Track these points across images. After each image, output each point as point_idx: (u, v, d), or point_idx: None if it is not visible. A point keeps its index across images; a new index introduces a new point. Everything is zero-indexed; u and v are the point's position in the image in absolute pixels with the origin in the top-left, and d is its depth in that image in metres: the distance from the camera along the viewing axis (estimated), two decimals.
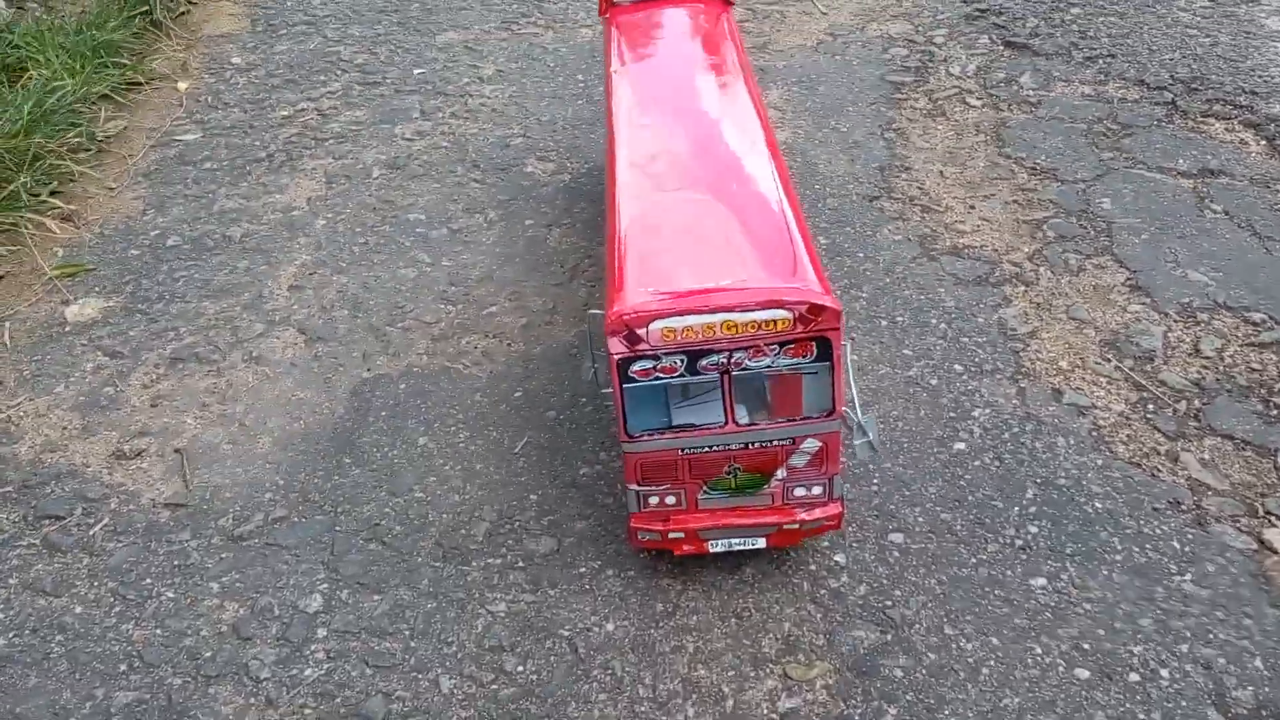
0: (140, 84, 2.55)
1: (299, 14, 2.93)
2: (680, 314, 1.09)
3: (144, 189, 2.17)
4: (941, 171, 2.11)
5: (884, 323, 1.71)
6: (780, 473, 1.21)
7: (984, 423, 1.51)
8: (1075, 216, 1.94)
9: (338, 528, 1.40)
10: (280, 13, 2.94)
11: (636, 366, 1.13)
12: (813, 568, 1.30)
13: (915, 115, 2.31)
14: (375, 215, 2.05)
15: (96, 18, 2.62)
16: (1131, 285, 1.77)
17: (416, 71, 2.60)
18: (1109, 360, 1.61)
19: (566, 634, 1.24)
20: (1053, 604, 1.25)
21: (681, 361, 1.12)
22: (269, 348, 1.73)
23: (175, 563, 1.36)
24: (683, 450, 1.18)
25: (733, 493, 1.22)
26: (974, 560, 1.31)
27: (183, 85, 2.58)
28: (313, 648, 1.24)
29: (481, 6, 2.92)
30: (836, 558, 1.31)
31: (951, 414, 1.52)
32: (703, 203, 1.31)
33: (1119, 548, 1.31)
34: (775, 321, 1.10)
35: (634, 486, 1.21)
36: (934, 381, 1.58)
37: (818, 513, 1.24)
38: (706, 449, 1.18)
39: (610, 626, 1.25)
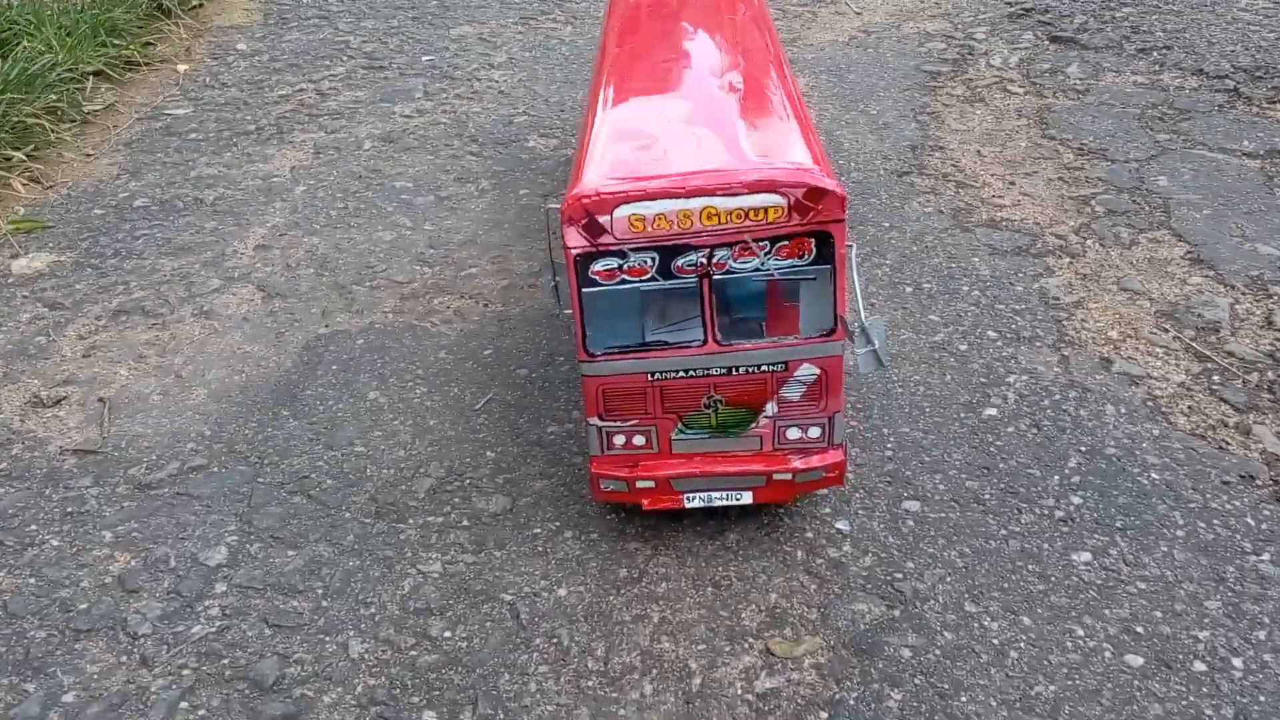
0: (138, 64, 2.45)
1: (313, 9, 2.85)
2: (651, 197, 0.91)
3: (122, 156, 2.05)
4: (979, 151, 1.92)
5: (908, 289, 1.51)
6: (770, 408, 1.00)
7: (1020, 389, 1.29)
8: (1127, 193, 1.73)
9: (260, 479, 1.21)
10: (295, 8, 2.86)
11: (598, 265, 0.94)
12: (809, 535, 1.08)
13: (951, 101, 2.13)
14: (360, 183, 1.90)
15: (103, 1, 2.54)
16: (1192, 259, 1.55)
17: (425, 58, 2.48)
18: (1166, 331, 1.39)
19: (509, 598, 1.03)
20: (1099, 581, 1.02)
21: (652, 261, 0.93)
22: (222, 303, 1.56)
23: (68, 509, 1.17)
24: (653, 375, 0.98)
25: (713, 432, 1.02)
26: (1004, 532, 1.08)
27: (182, 67, 2.48)
28: (206, 604, 1.04)
29: (500, 3, 2.82)
30: (839, 525, 1.10)
31: (982, 379, 1.31)
32: (691, 100, 1.13)
33: (1180, 522, 1.08)
34: (766, 210, 0.90)
35: (595, 421, 1.01)
36: (963, 347, 1.37)
37: (815, 460, 1.03)
38: (681, 374, 0.98)
39: (562, 591, 1.04)
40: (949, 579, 1.03)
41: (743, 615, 1.00)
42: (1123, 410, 1.25)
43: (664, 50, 1.28)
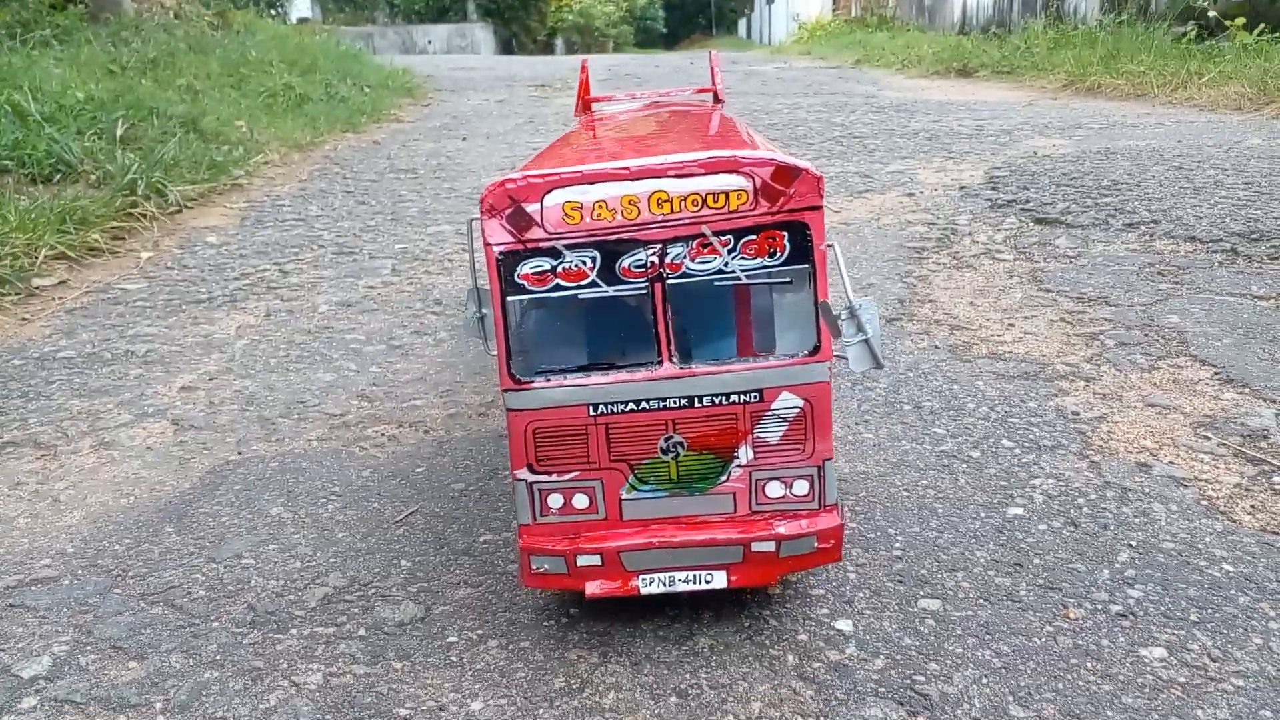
0: (101, 250, 2.39)
1: (291, 213, 2.85)
2: (590, 180, 0.76)
3: (59, 320, 1.92)
4: (972, 302, 1.80)
5: (907, 407, 1.32)
6: (744, 453, 0.80)
7: (1047, 490, 1.08)
8: (1138, 329, 1.59)
9: (116, 590, 0.97)
10: (273, 212, 2.86)
11: (526, 267, 0.77)
12: (802, 638, 0.84)
13: (938, 268, 2.04)
14: (308, 337, 1.76)
15: (76, 196, 2.53)
16: (1221, 379, 1.38)
17: (398, 246, 2.43)
18: (1208, 439, 1.20)
19: (404, 714, 0.77)
20: (1182, 680, 0.77)
21: (593, 261, 0.77)
22: (128, 436, 1.37)
23: None
24: (596, 409, 0.78)
25: (674, 487, 0.81)
26: (1049, 628, 0.84)
27: (145, 254, 2.42)
28: None
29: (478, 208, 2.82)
30: (839, 625, 0.85)
31: (1002, 483, 1.10)
32: (646, 129, 1.01)
33: (1272, 614, 0.84)
34: (727, 194, 0.75)
35: (524, 475, 0.80)
36: (975, 454, 1.17)
37: (804, 525, 0.81)
38: (631, 406, 0.78)
39: (477, 705, 0.78)
40: (985, 680, 0.78)
41: None
42: (1174, 508, 1.03)
43: (627, 130, 1.18)
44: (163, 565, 1.02)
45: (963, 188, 2.79)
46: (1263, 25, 5.23)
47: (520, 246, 0.76)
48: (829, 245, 0.78)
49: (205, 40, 5.87)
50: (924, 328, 1.67)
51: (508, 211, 0.76)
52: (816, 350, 0.77)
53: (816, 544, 0.80)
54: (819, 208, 0.76)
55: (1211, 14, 5.65)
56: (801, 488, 0.80)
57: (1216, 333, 1.55)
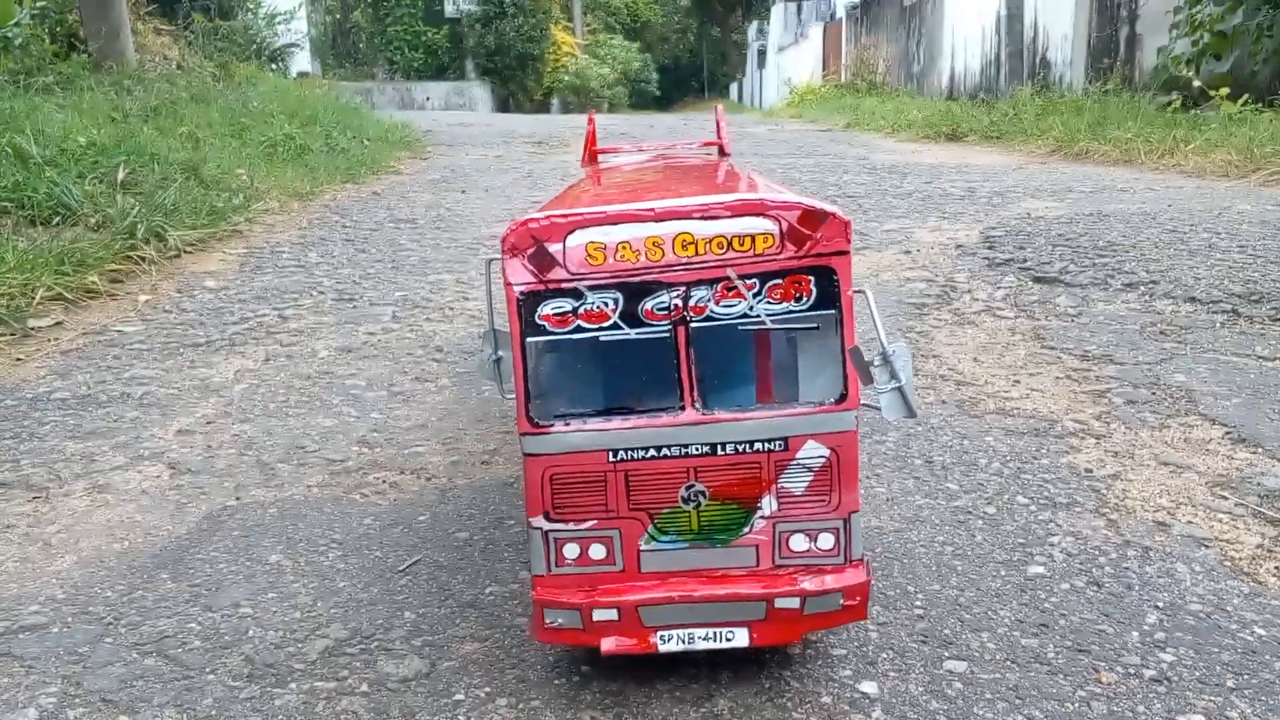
0: (98, 293, 2.37)
1: (291, 260, 2.84)
2: (614, 221, 0.74)
3: (54, 361, 1.89)
4: (975, 359, 1.80)
5: (918, 462, 1.31)
6: (767, 503, 0.78)
7: (1067, 549, 1.06)
8: (1145, 388, 1.59)
9: (107, 639, 0.93)
10: (273, 259, 2.85)
11: (548, 308, 0.76)
12: (825, 700, 0.81)
13: (939, 324, 2.04)
14: (307, 382, 1.74)
15: (75, 239, 2.52)
16: (1233, 438, 1.37)
17: (398, 294, 2.42)
18: (1225, 498, 1.18)
19: None
20: None
21: (615, 303, 0.75)
22: (122, 479, 1.34)
23: None
24: (615, 454, 0.76)
25: (695, 538, 0.78)
26: (1081, 693, 0.81)
27: (143, 297, 2.40)
28: None
29: (481, 258, 2.82)
30: (864, 688, 0.82)
31: (1020, 540, 1.08)
32: (656, 178, 1.01)
33: None
34: (753, 238, 0.74)
35: (540, 523, 0.78)
36: (990, 510, 1.15)
37: (830, 581, 0.78)
38: (652, 453, 0.76)
39: None
40: None
41: None
42: (1198, 569, 1.01)
43: (637, 179, 1.18)
44: (157, 613, 0.98)
45: (959, 246, 2.80)
46: (1246, 95, 5.33)
47: (542, 287, 0.75)
48: (859, 290, 0.77)
49: (207, 91, 5.92)
50: (929, 383, 1.66)
51: (530, 251, 0.75)
52: (844, 398, 0.76)
53: (842, 601, 0.78)
54: (846, 252, 0.75)
55: (1196, 84, 5.76)
56: (827, 541, 0.78)
57: (1224, 392, 1.55)
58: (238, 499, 1.27)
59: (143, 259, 2.66)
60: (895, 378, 0.76)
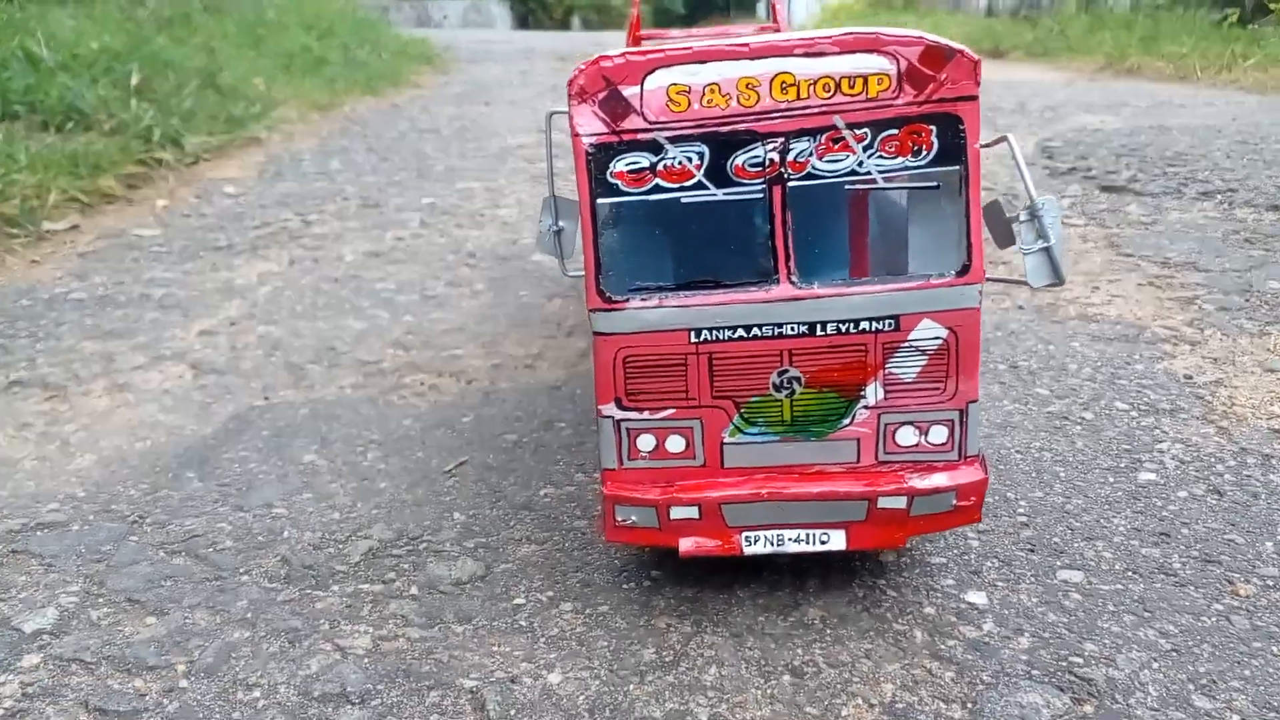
0: (114, 197, 2.27)
1: (313, 167, 2.72)
2: (700, 59, 0.63)
3: (71, 264, 1.80)
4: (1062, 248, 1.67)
5: (1002, 366, 1.20)
6: (872, 391, 0.67)
7: (1178, 455, 0.96)
8: (1237, 294, 1.47)
9: (132, 537, 0.85)
10: (293, 166, 2.73)
11: (621, 163, 0.65)
12: (929, 611, 0.72)
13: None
14: (335, 285, 1.64)
15: (89, 142, 2.41)
16: None
17: (425, 200, 2.31)
18: None
19: (471, 685, 0.65)
20: None
21: (700, 157, 0.64)
22: (143, 379, 1.25)
23: None
24: (698, 335, 0.66)
25: (787, 431, 0.68)
26: (1218, 606, 0.72)
27: (161, 202, 2.30)
28: (3, 679, 0.66)
29: (509, 167, 2.70)
30: (970, 598, 0.73)
31: (1125, 446, 0.98)
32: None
33: None
34: (865, 78, 0.63)
35: (611, 410, 0.68)
36: (1088, 415, 1.05)
37: (942, 479, 0.68)
38: (740, 333, 0.66)
39: (554, 678, 0.66)
40: (1157, 664, 0.66)
41: (844, 713, 0.62)
42: None
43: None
44: (184, 512, 0.90)
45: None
46: None
47: (615, 138, 0.64)
48: (1000, 139, 0.66)
49: (222, 1, 5.73)
50: (1002, 288, 1.54)
51: (601, 95, 0.64)
52: (966, 270, 0.65)
53: (955, 501, 0.68)
54: (975, 97, 0.63)
55: None
56: (939, 434, 0.68)
57: None
58: (266, 399, 1.18)
59: (159, 163, 2.56)
60: (1043, 236, 0.65)
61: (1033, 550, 0.80)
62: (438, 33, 11.19)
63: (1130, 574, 0.76)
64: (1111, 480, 0.91)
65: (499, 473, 0.96)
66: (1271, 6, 5.36)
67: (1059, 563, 0.78)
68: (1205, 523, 0.83)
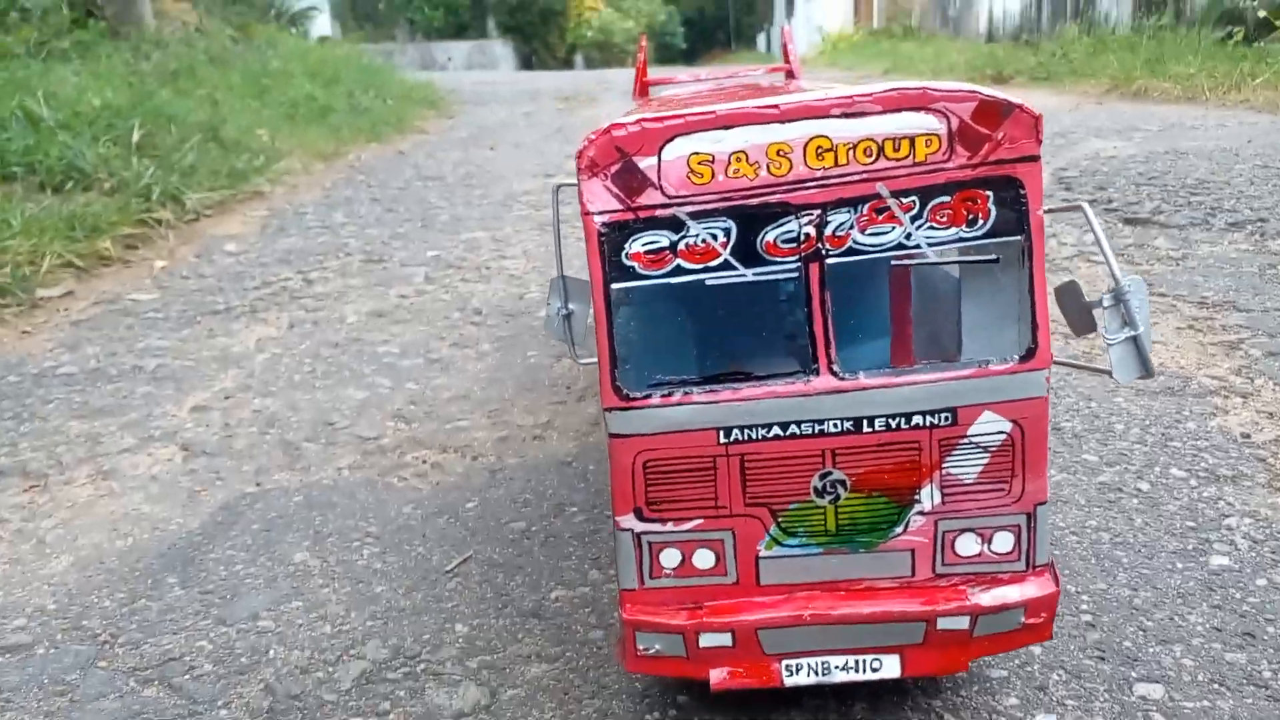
0: (112, 259, 2.22)
1: (316, 221, 2.67)
2: (725, 125, 0.56)
3: (63, 333, 1.74)
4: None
5: None
6: (928, 495, 0.59)
7: (1249, 533, 0.87)
8: None
9: (102, 662, 0.77)
10: (296, 220, 2.68)
11: (638, 244, 0.57)
12: None
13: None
14: (335, 350, 1.58)
15: (88, 203, 2.36)
16: None
17: (430, 253, 2.25)
18: None
19: None
20: None
21: (727, 234, 0.57)
22: (130, 463, 1.18)
23: None
24: (728, 435, 0.58)
25: (831, 540, 0.60)
26: None
27: (160, 263, 2.24)
28: None
29: (516, 215, 2.64)
30: None
31: (1189, 523, 0.89)
32: (746, 93, 0.82)
33: None
34: (912, 140, 0.56)
35: (631, 522, 0.60)
36: (1144, 486, 0.97)
37: (1010, 594, 0.60)
38: (776, 432, 0.58)
39: None
40: None
41: None
42: None
43: (720, 93, 0.99)
44: (161, 628, 0.82)
45: None
46: None
47: (630, 215, 0.57)
48: (1074, 206, 0.58)
49: (226, 53, 5.74)
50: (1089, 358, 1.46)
51: (614, 168, 0.57)
52: (1031, 354, 0.57)
53: (1024, 619, 0.60)
54: (1036, 158, 0.56)
55: (1261, 13, 5.43)
56: (1004, 542, 0.60)
57: None
58: (258, 484, 1.11)
59: (159, 223, 2.51)
60: (1130, 323, 0.57)
61: (1103, 658, 0.71)
62: (442, 75, 11.26)
63: (1216, 686, 0.68)
64: (1181, 567, 0.82)
65: (505, 570, 0.88)
66: (1277, 23, 5.30)
67: (1134, 673, 0.69)
68: None
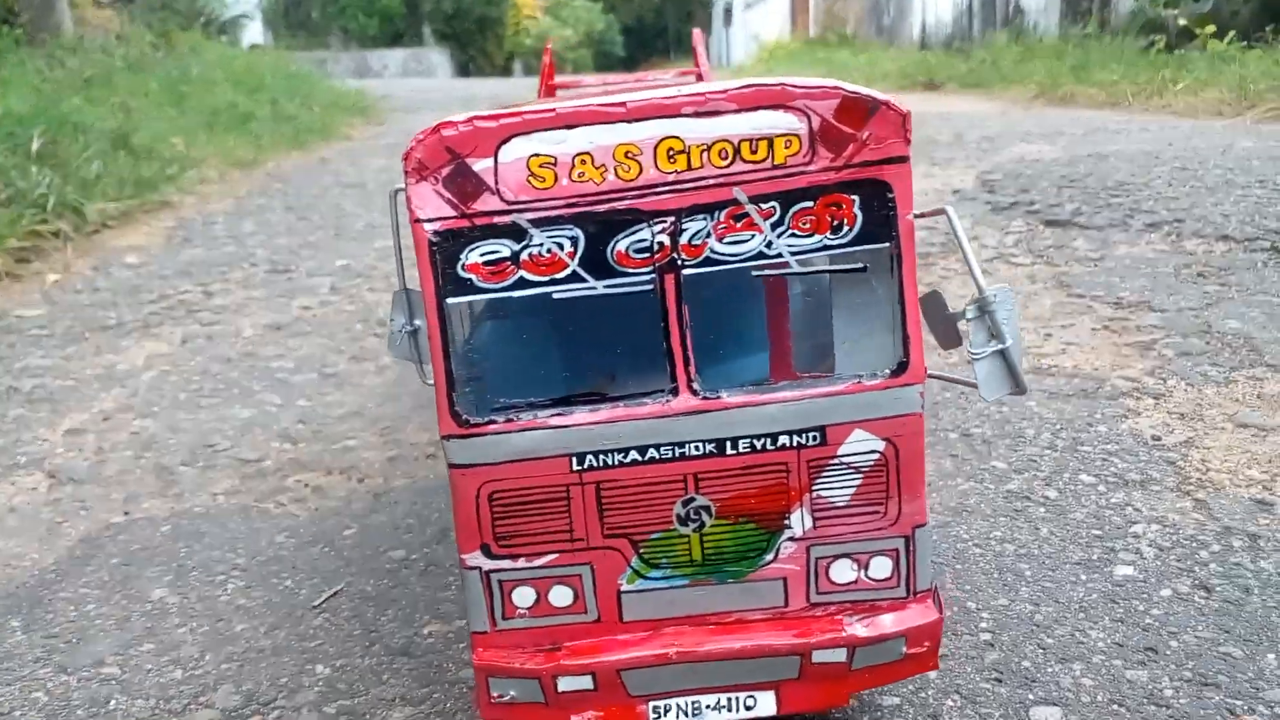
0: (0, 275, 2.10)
1: (223, 231, 2.57)
2: (566, 124, 0.51)
3: None
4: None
5: (953, 436, 1.09)
6: (798, 520, 0.55)
7: (1155, 540, 0.84)
8: (1197, 336, 1.37)
9: None
10: (204, 231, 2.58)
11: (475, 254, 0.52)
12: None
13: (949, 274, 1.82)
14: (227, 366, 1.49)
15: None
16: None
17: (339, 262, 2.17)
18: None
19: None
20: None
21: (574, 243, 0.52)
22: None
23: None
24: (581, 462, 0.53)
25: (697, 571, 0.55)
26: None
27: (52, 277, 2.13)
28: None
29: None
30: None
31: (1095, 532, 0.86)
32: (635, 89, 0.77)
33: None
34: (770, 141, 0.51)
35: (478, 560, 0.55)
36: (1051, 494, 0.94)
37: (888, 622, 0.56)
38: (634, 458, 0.53)
39: None
40: None
41: None
42: None
43: (608, 91, 0.94)
44: None
45: (955, 191, 2.58)
46: (1232, 33, 5.13)
47: (465, 223, 0.52)
48: (937, 211, 0.54)
49: (145, 60, 5.57)
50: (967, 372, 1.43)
51: (445, 171, 0.51)
52: (903, 368, 0.53)
53: (905, 648, 0.56)
54: (905, 158, 0.52)
55: (1182, 22, 5.56)
56: (882, 568, 0.56)
57: None
58: (126, 514, 1.03)
59: (56, 235, 2.39)
60: (998, 336, 0.53)
61: (1000, 680, 0.67)
62: (377, 82, 11.10)
63: (1115, 708, 0.64)
64: (1085, 579, 0.79)
65: (378, 604, 0.82)
66: (1197, 32, 5.43)
67: (1031, 695, 0.66)
68: (1195, 630, 0.72)
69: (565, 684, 0.55)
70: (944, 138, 3.77)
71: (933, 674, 0.68)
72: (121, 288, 2.02)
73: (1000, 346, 0.52)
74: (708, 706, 0.56)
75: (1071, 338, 1.41)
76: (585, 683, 0.55)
